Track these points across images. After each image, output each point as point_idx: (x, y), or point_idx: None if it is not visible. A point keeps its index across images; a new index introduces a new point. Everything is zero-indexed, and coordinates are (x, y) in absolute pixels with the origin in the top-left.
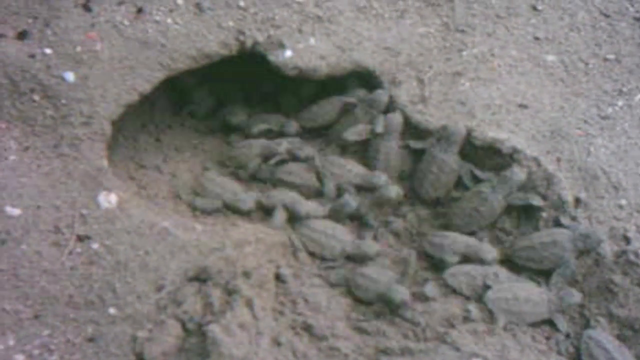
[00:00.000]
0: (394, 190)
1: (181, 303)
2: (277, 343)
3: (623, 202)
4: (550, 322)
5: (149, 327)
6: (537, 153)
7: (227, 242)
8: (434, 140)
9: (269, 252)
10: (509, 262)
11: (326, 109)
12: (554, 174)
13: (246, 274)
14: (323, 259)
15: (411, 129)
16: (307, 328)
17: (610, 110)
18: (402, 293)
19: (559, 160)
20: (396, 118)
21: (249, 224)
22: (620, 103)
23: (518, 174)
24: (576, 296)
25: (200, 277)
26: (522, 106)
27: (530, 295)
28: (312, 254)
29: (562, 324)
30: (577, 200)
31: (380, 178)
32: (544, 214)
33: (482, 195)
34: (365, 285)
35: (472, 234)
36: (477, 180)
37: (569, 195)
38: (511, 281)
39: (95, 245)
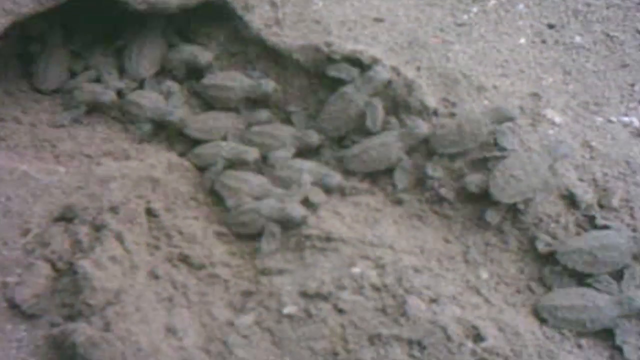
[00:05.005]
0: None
1: (49, 244)
2: (154, 276)
3: (486, 102)
4: None
5: (18, 271)
6: (396, 63)
7: (91, 179)
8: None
9: (136, 188)
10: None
11: None
12: (415, 80)
13: (113, 209)
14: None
15: (268, 52)
16: (184, 259)
17: (465, 17)
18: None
19: (418, 68)
20: None
21: (113, 162)
22: (475, 9)
23: (382, 72)
24: None
25: (66, 217)
26: (378, 20)
27: None
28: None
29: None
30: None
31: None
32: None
33: (347, 97)
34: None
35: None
36: None
37: (431, 101)
38: None
39: None
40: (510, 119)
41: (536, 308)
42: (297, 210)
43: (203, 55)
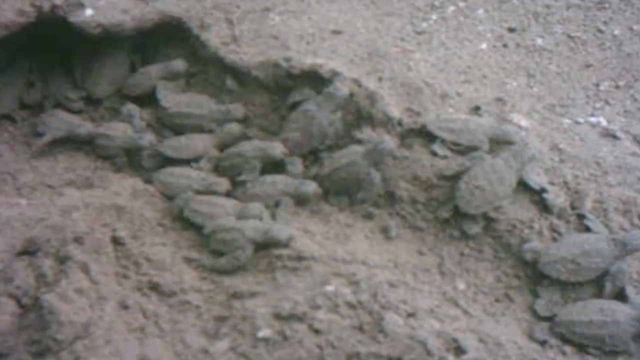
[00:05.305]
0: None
1: (12, 279)
2: (124, 306)
3: (450, 110)
4: None
5: None
6: (357, 75)
7: (54, 210)
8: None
9: (101, 216)
10: None
11: None
12: (376, 91)
13: (78, 240)
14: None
15: (227, 70)
16: (154, 287)
17: (425, 25)
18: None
19: (380, 79)
20: None
21: (76, 192)
22: (434, 17)
23: (341, 89)
24: None
25: (29, 250)
26: (336, 32)
27: None
28: None
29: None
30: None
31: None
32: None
33: (309, 114)
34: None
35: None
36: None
37: (394, 111)
38: None
39: None
40: (510, 142)
41: (554, 324)
42: (283, 233)
43: (177, 63)
